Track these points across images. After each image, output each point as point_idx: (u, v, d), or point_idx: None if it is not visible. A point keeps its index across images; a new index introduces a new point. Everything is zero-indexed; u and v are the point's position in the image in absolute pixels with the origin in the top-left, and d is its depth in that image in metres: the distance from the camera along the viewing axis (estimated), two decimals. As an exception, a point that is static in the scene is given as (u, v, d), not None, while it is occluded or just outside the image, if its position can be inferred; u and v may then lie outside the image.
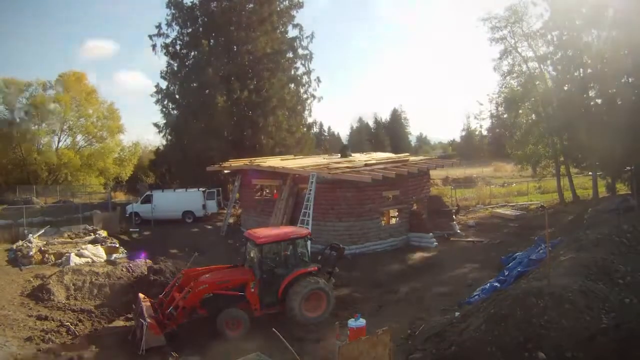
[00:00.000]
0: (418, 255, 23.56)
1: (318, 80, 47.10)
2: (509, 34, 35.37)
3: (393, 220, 26.41)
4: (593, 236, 16.35)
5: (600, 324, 10.29)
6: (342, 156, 32.67)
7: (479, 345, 10.90)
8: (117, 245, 25.65)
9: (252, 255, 15.81)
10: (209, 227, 33.87)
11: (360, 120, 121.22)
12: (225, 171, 34.46)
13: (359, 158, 32.05)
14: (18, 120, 52.77)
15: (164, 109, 45.36)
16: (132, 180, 55.87)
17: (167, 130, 45.86)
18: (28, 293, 18.13)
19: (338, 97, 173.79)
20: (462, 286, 18.04)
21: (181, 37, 45.15)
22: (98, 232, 28.72)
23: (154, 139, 72.23)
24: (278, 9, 45.17)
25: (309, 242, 16.62)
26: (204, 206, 35.85)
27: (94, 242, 25.90)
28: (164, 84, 45.23)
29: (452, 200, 36.64)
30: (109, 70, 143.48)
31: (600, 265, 13.84)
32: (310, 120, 49.06)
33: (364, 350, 9.81)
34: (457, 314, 14.17)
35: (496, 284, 16.50)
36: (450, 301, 16.40)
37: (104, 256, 23.49)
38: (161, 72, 45.24)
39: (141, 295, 15.35)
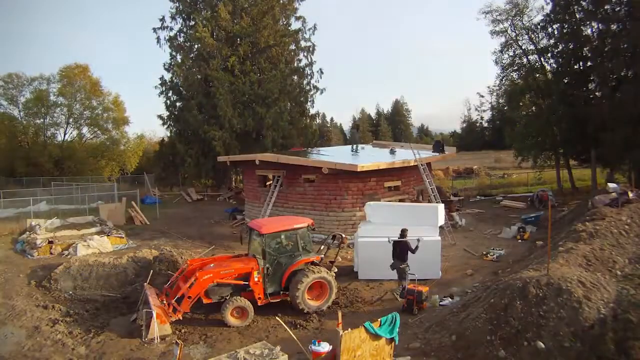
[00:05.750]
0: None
1: (320, 71, 47.36)
2: (510, 27, 35.55)
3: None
4: (592, 227, 16.53)
5: (598, 315, 10.46)
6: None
7: (478, 334, 11.11)
8: (123, 236, 25.90)
9: (255, 245, 16.03)
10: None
11: (362, 111, 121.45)
12: (229, 162, 34.57)
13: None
14: (23, 113, 53.28)
15: (168, 101, 45.69)
16: (138, 172, 56.15)
17: (171, 122, 46.17)
18: (35, 283, 18.39)
19: (340, 88, 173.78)
20: (463, 277, 18.27)
21: (184, 30, 45.36)
22: (104, 223, 29.02)
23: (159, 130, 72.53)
24: (281, 1, 45.23)
25: (311, 232, 16.79)
26: None
27: (100, 232, 26.21)
28: (167, 76, 45.62)
29: (452, 191, 36.88)
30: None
31: (598, 256, 14.03)
32: (313, 111, 49.32)
33: (365, 339, 10.02)
34: (454, 298, 14.46)
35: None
36: (451, 290, 16.62)
37: (110, 247, 23.78)
38: (164, 65, 45.58)
39: (147, 285, 15.57)
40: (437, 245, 18.05)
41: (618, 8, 29.72)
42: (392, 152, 31.32)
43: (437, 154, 31.14)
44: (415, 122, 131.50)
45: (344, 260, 20.78)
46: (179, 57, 44.72)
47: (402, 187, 26.36)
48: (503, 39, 36.23)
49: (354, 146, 32.79)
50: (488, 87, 68.03)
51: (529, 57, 35.82)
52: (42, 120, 54.34)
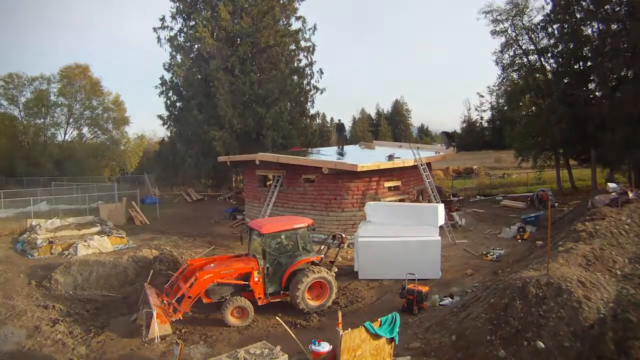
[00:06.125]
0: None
1: (320, 71, 47.26)
2: (510, 26, 35.57)
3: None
4: (592, 227, 16.52)
5: (598, 315, 10.47)
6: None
7: (478, 334, 11.12)
8: (123, 236, 25.90)
9: (255, 245, 16.04)
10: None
11: (362, 111, 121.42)
12: (229, 162, 34.57)
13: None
14: (23, 113, 53.36)
15: (168, 101, 45.70)
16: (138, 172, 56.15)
17: (171, 122, 46.17)
18: (36, 283, 18.39)
19: (340, 88, 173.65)
20: (463, 277, 18.27)
21: (185, 30, 45.38)
22: (105, 223, 29.02)
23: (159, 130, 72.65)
24: (281, 1, 45.22)
25: (311, 232, 16.80)
26: None
27: (100, 232, 26.21)
28: (167, 76, 45.61)
29: (452, 191, 36.87)
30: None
31: (598, 256, 14.02)
32: (312, 111, 49.27)
33: (365, 339, 10.03)
34: (454, 298, 14.48)
35: None
36: (451, 290, 16.63)
37: (110, 247, 23.79)
38: (164, 65, 45.54)
39: (147, 285, 15.59)
40: (437, 245, 18.07)
41: (618, 8, 29.73)
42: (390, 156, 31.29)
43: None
44: (415, 122, 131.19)
45: (344, 260, 20.78)
46: (179, 57, 44.67)
47: (402, 187, 26.37)
48: (503, 39, 36.28)
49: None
50: (488, 87, 68.00)
51: (529, 57, 35.83)
52: (42, 120, 54.43)
